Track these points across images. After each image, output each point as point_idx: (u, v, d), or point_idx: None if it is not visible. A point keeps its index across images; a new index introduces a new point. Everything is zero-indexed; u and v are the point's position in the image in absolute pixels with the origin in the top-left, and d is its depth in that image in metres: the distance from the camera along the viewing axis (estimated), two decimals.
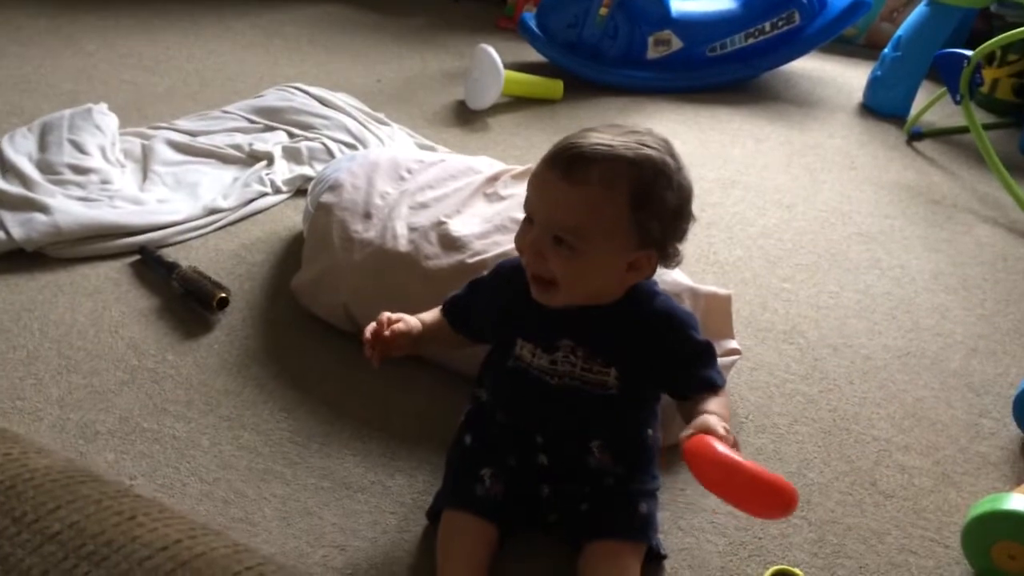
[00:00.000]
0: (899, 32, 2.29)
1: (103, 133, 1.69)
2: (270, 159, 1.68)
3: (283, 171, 1.66)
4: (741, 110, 2.27)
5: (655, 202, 0.85)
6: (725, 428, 0.81)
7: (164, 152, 1.68)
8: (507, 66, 2.07)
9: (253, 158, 1.70)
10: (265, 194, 1.59)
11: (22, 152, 1.60)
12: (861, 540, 0.99)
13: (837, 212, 1.77)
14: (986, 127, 2.01)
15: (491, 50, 2.05)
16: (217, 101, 1.99)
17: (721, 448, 0.78)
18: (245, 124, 1.83)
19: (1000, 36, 1.83)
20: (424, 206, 1.27)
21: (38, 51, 2.24)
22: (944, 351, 1.35)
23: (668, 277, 1.11)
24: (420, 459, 1.05)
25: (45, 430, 1.04)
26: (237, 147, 1.73)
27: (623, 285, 0.90)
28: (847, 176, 1.95)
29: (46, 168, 1.55)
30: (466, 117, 2.08)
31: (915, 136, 2.17)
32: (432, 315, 1.02)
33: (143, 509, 0.43)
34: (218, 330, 1.25)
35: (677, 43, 2.34)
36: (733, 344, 1.16)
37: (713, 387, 0.90)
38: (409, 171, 1.36)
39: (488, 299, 0.99)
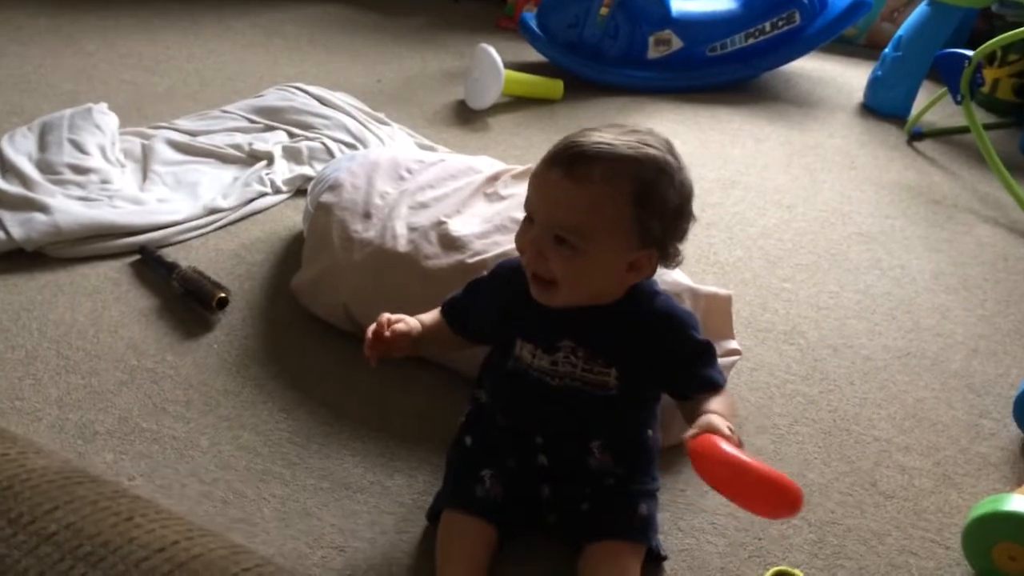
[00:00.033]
0: (900, 32, 2.29)
1: (103, 133, 1.69)
2: (270, 159, 1.68)
3: (283, 171, 1.66)
4: (741, 110, 2.27)
5: (657, 201, 0.85)
6: (730, 427, 0.81)
7: (164, 152, 1.68)
8: (507, 66, 2.07)
9: (253, 158, 1.70)
10: (265, 194, 1.59)
11: (22, 152, 1.60)
12: (861, 541, 0.99)
13: (837, 212, 1.77)
14: (987, 127, 2.01)
15: (491, 50, 2.05)
16: (217, 101, 1.99)
17: (727, 447, 0.78)
18: (245, 124, 1.83)
19: (1001, 36, 1.83)
20: (424, 206, 1.27)
21: (38, 51, 2.24)
22: (945, 351, 1.35)
23: (668, 277, 1.10)
24: (419, 460, 1.04)
25: (44, 430, 1.04)
26: (237, 147, 1.72)
27: (624, 285, 0.90)
28: (847, 176, 1.94)
29: (46, 168, 1.55)
30: (466, 117, 2.08)
31: (916, 136, 2.17)
32: (431, 316, 1.02)
33: (140, 510, 0.43)
34: (218, 330, 1.25)
35: (677, 43, 2.34)
36: (733, 344, 1.16)
37: (714, 386, 0.90)
38: (409, 171, 1.36)
39: (487, 300, 0.98)
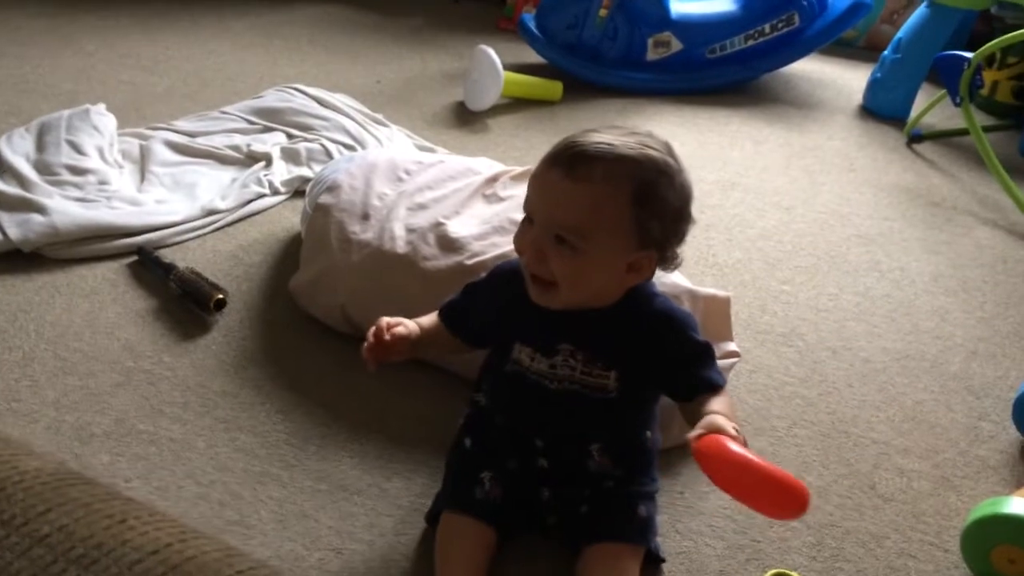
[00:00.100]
0: (899, 34, 2.29)
1: (101, 134, 1.69)
2: (268, 160, 1.68)
3: (281, 172, 1.66)
4: (740, 112, 2.27)
5: (657, 201, 0.85)
6: (735, 427, 0.81)
7: (162, 153, 1.68)
8: (506, 67, 2.07)
9: (251, 159, 1.69)
10: (263, 195, 1.59)
11: (19, 153, 1.59)
12: (860, 544, 0.99)
13: (836, 214, 1.77)
14: (986, 129, 2.01)
15: (490, 51, 2.05)
16: (216, 102, 1.99)
17: (735, 447, 0.77)
18: (244, 125, 1.83)
19: (1000, 38, 1.83)
20: (422, 207, 1.27)
21: (37, 51, 2.24)
22: (944, 354, 1.34)
23: (667, 279, 1.10)
24: (417, 462, 1.04)
25: (41, 432, 1.04)
26: (235, 148, 1.72)
27: (623, 287, 0.90)
28: (846, 178, 1.94)
29: (43, 169, 1.55)
30: (465, 118, 2.08)
31: (915, 138, 2.16)
32: (430, 319, 1.02)
33: (134, 512, 0.43)
34: (215, 331, 1.24)
35: (677, 45, 2.34)
36: (732, 346, 1.16)
37: (714, 387, 0.90)
38: (407, 172, 1.36)
39: (485, 303, 0.98)
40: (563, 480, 0.94)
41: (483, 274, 1.02)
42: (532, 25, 2.34)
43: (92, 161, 1.59)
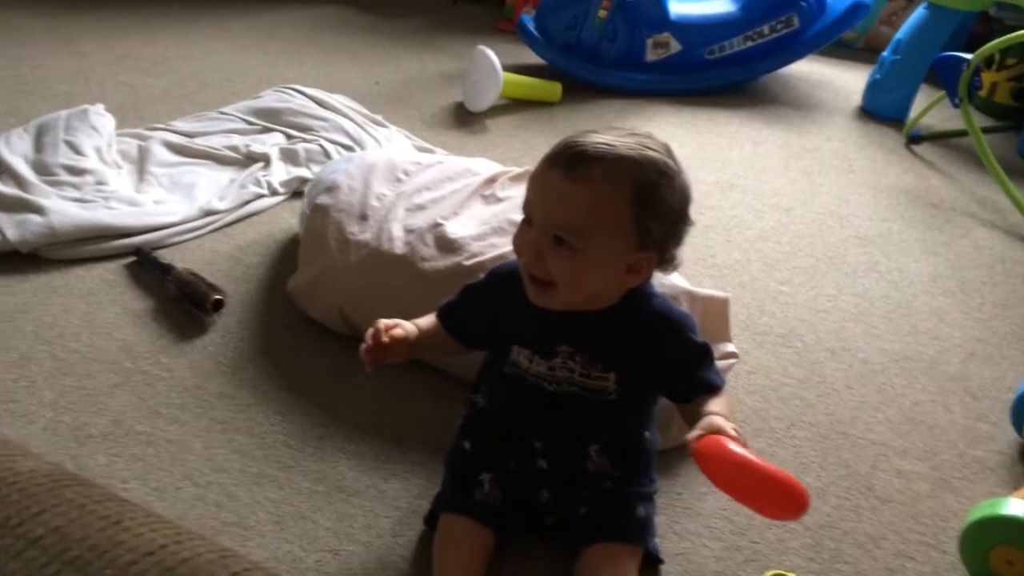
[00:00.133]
0: (898, 35, 2.29)
1: (99, 134, 1.69)
2: (267, 160, 1.68)
3: (280, 173, 1.66)
4: (739, 113, 2.27)
5: (657, 202, 0.85)
6: (735, 428, 0.81)
7: (160, 153, 1.68)
8: (506, 68, 2.07)
9: (250, 159, 1.69)
10: (261, 196, 1.59)
11: (17, 153, 1.59)
12: (858, 545, 0.99)
13: (835, 215, 1.77)
14: (985, 130, 2.01)
15: (489, 52, 2.05)
16: (215, 102, 1.99)
17: (735, 448, 0.77)
18: (242, 125, 1.83)
19: (999, 39, 1.83)
20: (421, 208, 1.27)
21: (36, 51, 2.24)
22: (942, 355, 1.34)
23: (666, 280, 1.10)
24: (415, 463, 1.04)
25: (38, 433, 1.04)
26: (234, 148, 1.72)
27: (622, 288, 0.90)
28: (845, 179, 1.94)
29: (41, 169, 1.55)
30: (464, 119, 2.08)
31: (914, 139, 2.17)
32: (428, 320, 1.01)
33: (128, 514, 0.43)
34: (213, 332, 1.24)
35: (676, 46, 2.34)
36: (730, 347, 1.16)
37: (713, 388, 0.90)
38: (406, 173, 1.36)
39: (483, 304, 0.98)
40: (562, 481, 0.93)
41: (481, 275, 1.02)
42: (531, 26, 2.34)
43: (90, 161, 1.59)
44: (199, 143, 1.73)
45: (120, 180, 1.58)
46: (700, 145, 2.05)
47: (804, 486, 0.75)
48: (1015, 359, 1.35)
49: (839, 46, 2.71)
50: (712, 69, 2.37)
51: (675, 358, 0.91)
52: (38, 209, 1.40)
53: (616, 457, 0.93)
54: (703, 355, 0.92)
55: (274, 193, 1.60)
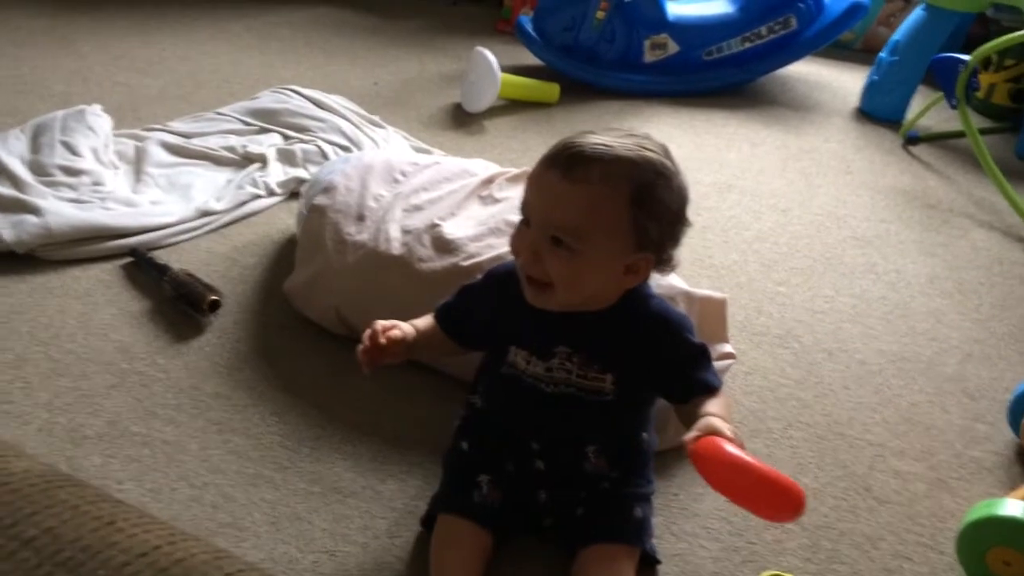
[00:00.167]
0: (896, 36, 2.29)
1: (96, 135, 1.68)
2: (264, 161, 1.68)
3: (277, 173, 1.65)
4: (737, 114, 2.27)
5: (655, 203, 0.85)
6: (732, 429, 0.81)
7: (157, 154, 1.67)
8: (504, 69, 2.07)
9: (247, 160, 1.69)
10: (258, 196, 1.59)
11: (14, 153, 1.59)
12: (855, 546, 0.99)
13: (832, 216, 1.77)
14: (982, 132, 2.01)
15: (488, 53, 2.05)
16: (212, 103, 1.99)
17: (732, 449, 0.77)
18: (239, 126, 1.82)
19: (997, 40, 1.83)
20: (418, 208, 1.27)
21: (33, 52, 2.24)
22: (939, 356, 1.34)
23: (663, 281, 1.10)
24: (411, 464, 1.04)
25: (33, 433, 1.03)
26: (231, 149, 1.72)
27: (619, 289, 0.90)
28: (843, 180, 1.94)
29: (38, 169, 1.54)
30: (462, 120, 2.08)
31: (911, 140, 2.17)
32: (425, 321, 1.01)
33: (122, 514, 0.43)
34: (209, 333, 1.24)
35: (674, 47, 2.34)
36: (728, 348, 1.15)
37: (710, 389, 0.89)
38: (403, 173, 1.36)
39: (480, 305, 0.98)
40: (559, 482, 0.93)
41: (479, 276, 1.01)
42: (529, 27, 2.34)
43: (86, 162, 1.58)
44: (196, 144, 1.73)
45: (117, 181, 1.58)
46: (698, 146, 2.05)
47: (801, 487, 0.75)
48: (1012, 360, 1.35)
49: (837, 47, 2.71)
50: (710, 70, 2.38)
51: (672, 359, 0.91)
52: (34, 210, 1.40)
53: (613, 458, 0.93)
54: (700, 356, 0.91)
55: (271, 194, 1.60)
